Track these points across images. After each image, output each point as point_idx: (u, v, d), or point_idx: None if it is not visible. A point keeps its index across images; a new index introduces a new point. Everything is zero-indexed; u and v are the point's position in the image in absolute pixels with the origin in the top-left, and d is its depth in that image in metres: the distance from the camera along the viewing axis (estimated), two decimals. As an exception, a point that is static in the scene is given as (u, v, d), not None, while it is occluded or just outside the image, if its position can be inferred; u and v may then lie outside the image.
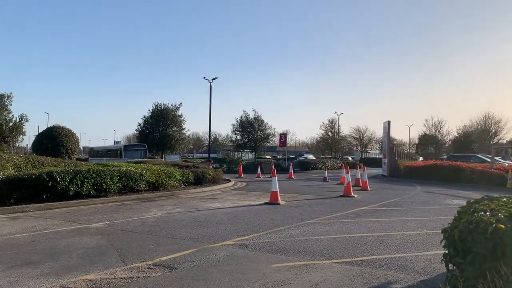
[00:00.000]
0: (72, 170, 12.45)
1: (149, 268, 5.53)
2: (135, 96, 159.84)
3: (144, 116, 52.28)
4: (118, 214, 10.53)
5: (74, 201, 12.12)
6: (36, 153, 23.11)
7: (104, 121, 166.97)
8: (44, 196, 11.71)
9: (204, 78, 43.96)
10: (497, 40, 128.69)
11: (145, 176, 14.69)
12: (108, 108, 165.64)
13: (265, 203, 12.76)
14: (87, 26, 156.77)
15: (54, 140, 24.02)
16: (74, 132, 26.02)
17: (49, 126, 27.42)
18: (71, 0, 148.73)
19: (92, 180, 12.72)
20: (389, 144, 30.52)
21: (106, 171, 13.29)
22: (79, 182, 12.34)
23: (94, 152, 52.28)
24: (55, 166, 15.02)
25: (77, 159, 29.77)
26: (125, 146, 43.76)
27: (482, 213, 3.57)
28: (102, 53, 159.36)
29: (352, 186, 16.31)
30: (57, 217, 9.99)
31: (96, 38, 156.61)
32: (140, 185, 14.52)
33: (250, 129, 50.91)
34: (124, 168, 14.24)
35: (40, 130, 31.82)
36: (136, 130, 54.60)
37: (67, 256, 6.15)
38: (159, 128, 50.47)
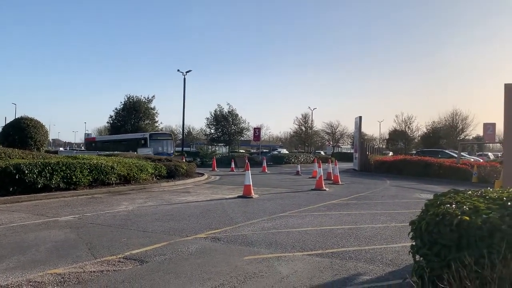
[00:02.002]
0: (41, 163, 12.13)
1: (119, 261, 5.46)
2: (106, 88, 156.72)
3: (116, 109, 51.49)
4: (88, 207, 10.35)
5: (43, 194, 11.83)
6: (3, 145, 22.26)
7: (74, 114, 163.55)
8: (11, 189, 11.38)
9: (178, 70, 43.45)
10: (467, 39, 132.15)
11: (116, 169, 14.46)
12: (79, 100, 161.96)
13: (238, 197, 12.77)
14: (56, 16, 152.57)
15: (22, 132, 23.30)
16: (43, 124, 25.32)
17: (16, 117, 26.55)
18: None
19: (62, 173, 12.44)
20: (360, 139, 31.05)
21: (76, 164, 13.02)
22: (48, 174, 12.05)
23: (97, 144, 44.30)
24: (22, 158, 14.61)
25: (46, 151, 29.00)
26: (151, 135, 37.41)
27: (448, 205, 3.67)
28: (71, 44, 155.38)
29: (324, 180, 16.53)
30: (25, 210, 9.73)
31: (64, 29, 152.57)
32: (111, 178, 14.29)
33: (224, 123, 50.87)
34: (95, 161, 13.98)
35: (8, 121, 30.76)
36: (108, 122, 53.71)
37: (35, 250, 6.01)
38: (131, 121, 49.77)
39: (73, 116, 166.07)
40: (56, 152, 35.32)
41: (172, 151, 37.06)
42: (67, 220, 8.52)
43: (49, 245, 6.29)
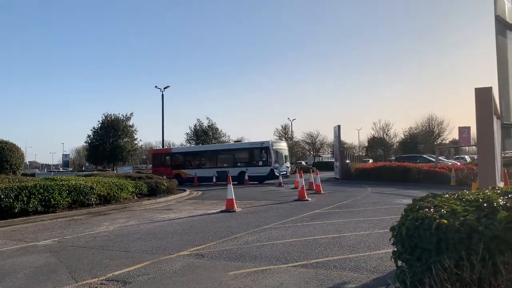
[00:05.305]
0: (17, 186, 11.87)
1: (101, 283, 5.35)
2: (83, 108, 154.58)
3: (94, 128, 50.78)
4: (68, 230, 10.14)
5: (20, 218, 11.56)
6: (-23, 170, 21.77)
7: (51, 135, 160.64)
8: (-14, 215, 11.08)
9: (156, 87, 43.24)
10: (441, 46, 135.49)
11: (96, 189, 14.24)
12: (55, 121, 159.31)
13: (221, 211, 12.70)
14: (27, 30, 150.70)
15: (-4, 156, 22.79)
16: (19, 147, 24.83)
17: (-10, 141, 25.96)
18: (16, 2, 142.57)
19: (39, 196, 12.19)
20: (340, 148, 31.32)
21: (54, 186, 12.78)
22: (25, 198, 11.78)
23: (177, 157, 32.39)
24: (-2, 183, 14.26)
25: (23, 174, 28.39)
26: (273, 144, 28.80)
27: (427, 210, 3.72)
28: (45, 63, 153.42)
29: (306, 190, 16.58)
30: (1, 236, 9.47)
31: (36, 48, 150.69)
32: (91, 199, 14.06)
33: (205, 137, 50.74)
34: (73, 182, 13.76)
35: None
36: (86, 142, 52.87)
37: (13, 276, 5.85)
38: (110, 139, 49.11)
39: (50, 138, 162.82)
40: (33, 175, 34.54)
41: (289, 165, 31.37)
42: (46, 244, 8.33)
43: (28, 271, 6.13)
